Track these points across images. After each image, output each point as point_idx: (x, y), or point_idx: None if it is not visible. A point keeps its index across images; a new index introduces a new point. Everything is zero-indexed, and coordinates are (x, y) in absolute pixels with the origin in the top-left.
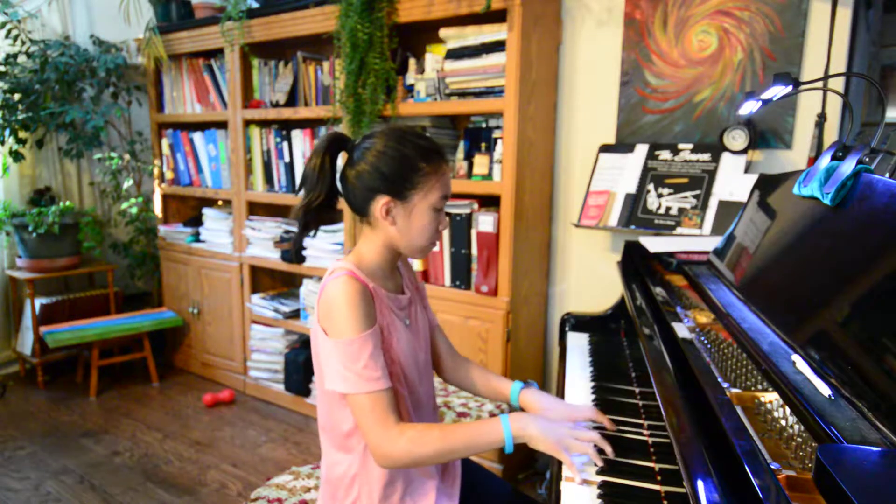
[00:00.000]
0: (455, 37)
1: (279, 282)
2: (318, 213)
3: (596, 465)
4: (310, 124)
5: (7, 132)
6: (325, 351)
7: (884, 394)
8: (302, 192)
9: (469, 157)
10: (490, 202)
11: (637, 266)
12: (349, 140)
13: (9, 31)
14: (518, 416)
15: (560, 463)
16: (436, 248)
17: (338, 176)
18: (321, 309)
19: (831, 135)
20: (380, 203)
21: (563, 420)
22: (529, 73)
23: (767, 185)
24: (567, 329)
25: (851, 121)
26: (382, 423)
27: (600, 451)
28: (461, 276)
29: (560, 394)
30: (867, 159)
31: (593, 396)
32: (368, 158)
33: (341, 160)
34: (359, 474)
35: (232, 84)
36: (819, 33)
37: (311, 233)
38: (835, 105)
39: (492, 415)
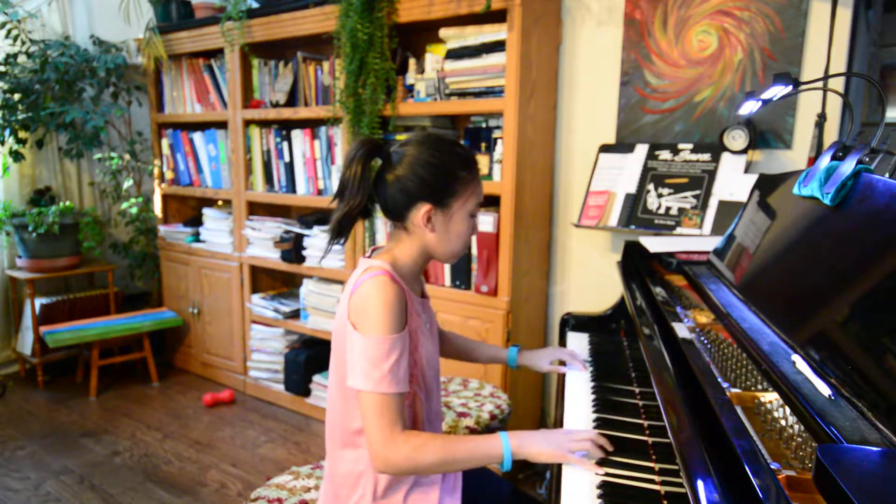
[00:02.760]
0: (455, 37)
1: (279, 282)
2: (355, 219)
3: (596, 458)
4: (310, 124)
5: (7, 132)
6: (353, 347)
7: (884, 394)
8: (337, 200)
9: None
10: (490, 202)
11: (637, 266)
12: (384, 146)
13: (9, 31)
14: (516, 434)
15: (560, 463)
16: None
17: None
18: (354, 304)
19: (831, 135)
20: (421, 210)
21: (554, 358)
22: (529, 73)
23: (767, 185)
24: (567, 329)
25: (851, 121)
26: (389, 428)
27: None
28: (461, 276)
29: (560, 393)
30: (867, 159)
31: (593, 396)
32: (408, 165)
33: (376, 166)
34: (365, 472)
35: (232, 84)
36: (819, 33)
37: (342, 239)
38: (835, 105)
39: (492, 415)
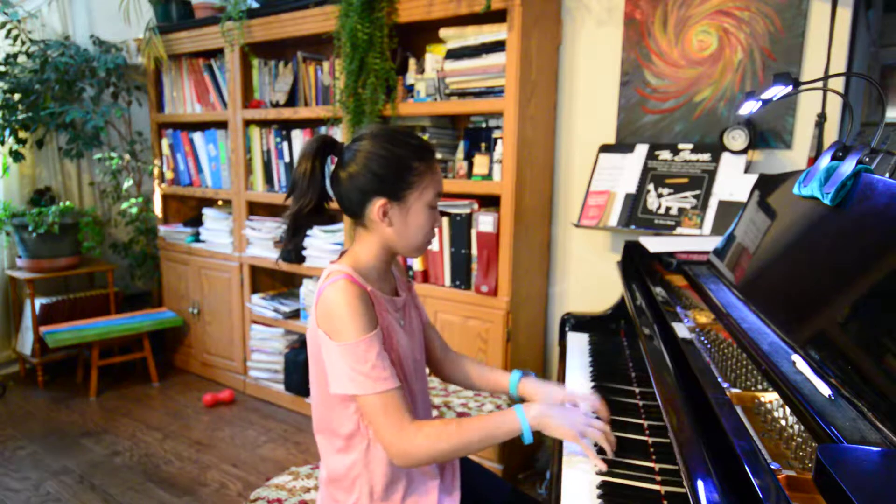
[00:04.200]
0: (455, 37)
1: (279, 282)
2: (308, 218)
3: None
4: (310, 124)
5: (7, 132)
6: (330, 355)
7: (884, 394)
8: (291, 198)
9: (469, 157)
10: (490, 202)
11: (637, 266)
12: (337, 143)
13: (9, 31)
14: (532, 406)
15: (560, 463)
16: (435, 248)
17: (328, 179)
18: (320, 313)
19: (831, 135)
20: (376, 205)
21: (565, 396)
22: (529, 73)
23: (767, 185)
24: (567, 329)
25: (851, 121)
26: (398, 422)
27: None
28: (461, 276)
29: None
30: (867, 159)
31: None
32: (361, 161)
33: (331, 163)
34: (360, 475)
35: (232, 84)
36: (819, 33)
37: (301, 238)
38: (835, 105)
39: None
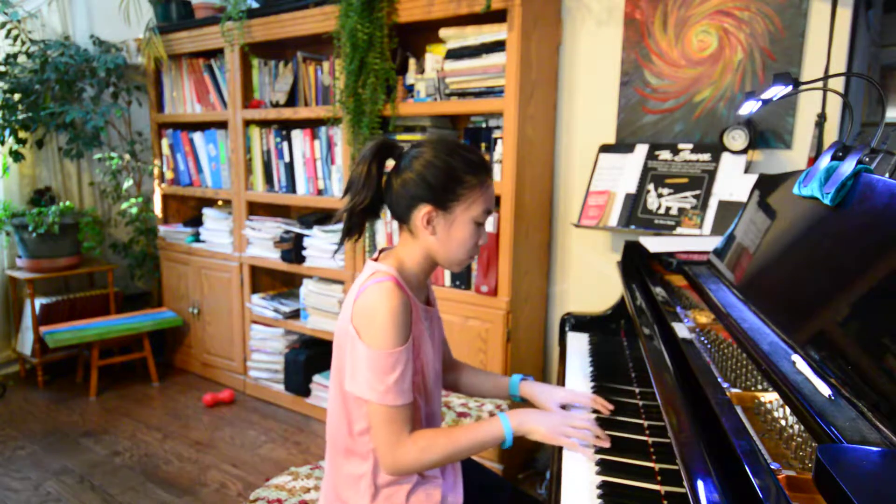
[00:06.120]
0: (455, 37)
1: (279, 282)
2: (362, 217)
3: (595, 448)
4: (310, 124)
5: (7, 132)
6: (356, 354)
7: (884, 394)
8: (347, 196)
9: None
10: None
11: (637, 266)
12: (397, 147)
13: (9, 31)
14: (515, 412)
15: (560, 463)
16: None
17: (383, 182)
18: (359, 311)
19: (831, 135)
20: (422, 212)
21: (564, 402)
22: (529, 73)
23: (767, 185)
24: (567, 329)
25: (851, 121)
26: (397, 436)
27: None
28: (461, 276)
29: None
30: (867, 159)
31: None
32: (416, 167)
33: (388, 167)
34: (366, 473)
35: (232, 84)
36: (819, 33)
37: (356, 236)
38: (835, 105)
39: (491, 414)
